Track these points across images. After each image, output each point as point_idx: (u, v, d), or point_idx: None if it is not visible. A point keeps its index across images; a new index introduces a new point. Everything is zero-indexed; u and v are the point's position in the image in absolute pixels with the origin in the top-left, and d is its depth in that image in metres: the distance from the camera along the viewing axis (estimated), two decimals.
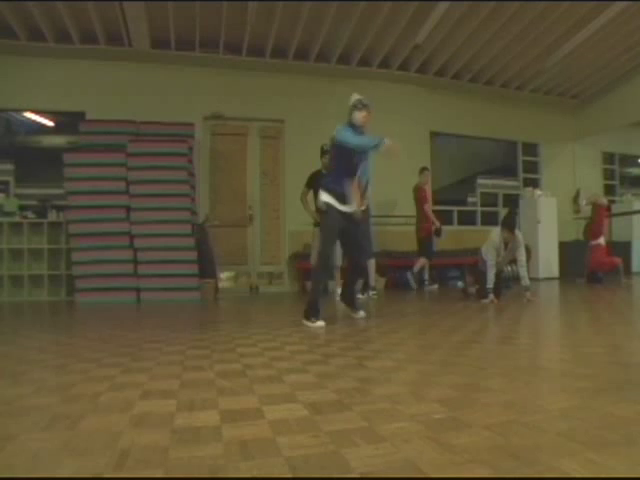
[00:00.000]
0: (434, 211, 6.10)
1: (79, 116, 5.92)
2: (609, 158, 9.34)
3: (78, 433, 1.10)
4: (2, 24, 5.40)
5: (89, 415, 1.23)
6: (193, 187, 5.59)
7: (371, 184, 4.12)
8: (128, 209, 5.33)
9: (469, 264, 7.32)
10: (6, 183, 5.97)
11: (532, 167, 8.53)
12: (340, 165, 3.23)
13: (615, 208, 8.95)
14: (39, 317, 4.10)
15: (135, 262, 5.27)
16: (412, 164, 6.35)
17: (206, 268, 5.37)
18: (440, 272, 7.12)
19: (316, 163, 7.09)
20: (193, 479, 0.86)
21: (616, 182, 9.43)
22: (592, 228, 6.68)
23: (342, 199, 3.16)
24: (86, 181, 5.25)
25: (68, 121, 6.17)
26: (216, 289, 4.71)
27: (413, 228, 6.04)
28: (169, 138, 5.43)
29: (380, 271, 6.68)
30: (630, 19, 5.86)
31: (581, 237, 8.47)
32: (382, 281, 6.70)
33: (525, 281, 4.37)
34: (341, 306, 4.33)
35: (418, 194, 5.84)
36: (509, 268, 7.56)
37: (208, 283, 5.32)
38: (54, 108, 6.17)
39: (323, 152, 4.97)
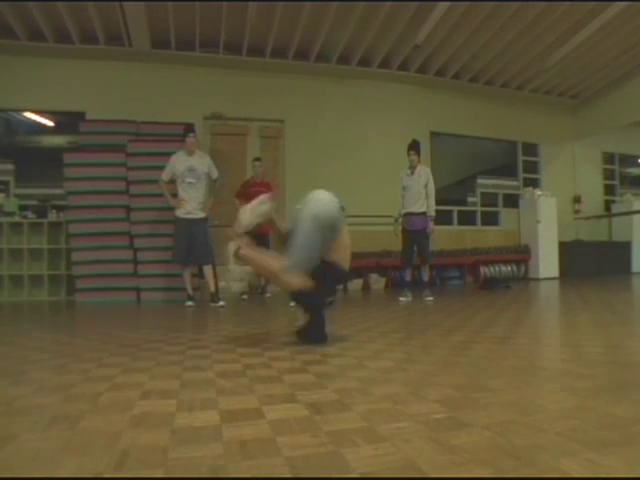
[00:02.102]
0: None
1: (79, 116, 5.92)
2: (609, 158, 9.34)
3: (78, 433, 1.10)
4: (2, 24, 5.41)
5: (89, 415, 1.23)
6: None
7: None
8: (128, 209, 5.33)
9: (468, 264, 7.35)
10: (6, 183, 5.97)
11: (532, 167, 8.53)
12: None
13: (615, 208, 8.97)
14: (39, 317, 4.10)
15: (135, 262, 5.28)
16: None
17: None
18: (440, 272, 7.13)
19: (317, 163, 7.11)
20: (193, 479, 0.86)
21: (616, 182, 9.43)
22: None
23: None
24: (86, 181, 5.26)
25: (68, 121, 6.17)
26: (216, 289, 4.72)
27: None
28: (169, 138, 5.44)
29: (380, 271, 6.71)
30: (630, 19, 5.85)
31: (581, 237, 8.49)
32: (382, 281, 6.71)
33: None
34: (339, 307, 4.33)
35: None
36: (509, 268, 7.58)
37: (208, 283, 5.30)
38: (54, 108, 6.17)
39: None
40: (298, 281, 2.14)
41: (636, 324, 2.86)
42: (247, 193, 5.47)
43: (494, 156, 8.64)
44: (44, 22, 5.38)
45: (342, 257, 2.28)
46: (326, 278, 2.21)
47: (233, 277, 2.30)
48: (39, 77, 5.95)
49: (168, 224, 4.94)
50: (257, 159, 5.68)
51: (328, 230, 2.16)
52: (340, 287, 2.32)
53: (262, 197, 2.40)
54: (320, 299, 2.26)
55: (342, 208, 2.24)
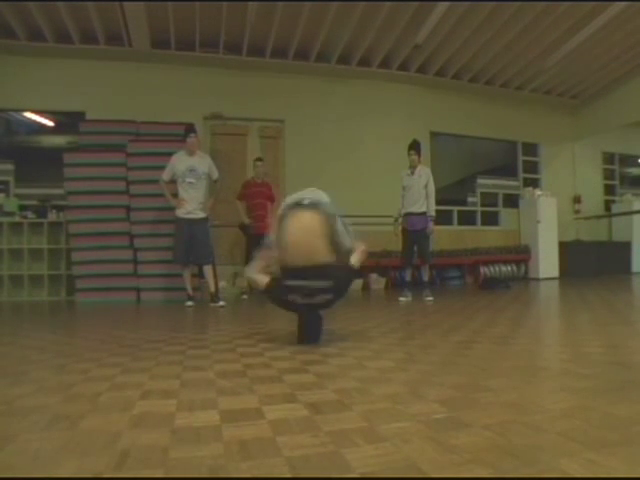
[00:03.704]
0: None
1: (79, 116, 5.92)
2: (609, 158, 9.34)
3: (78, 433, 1.09)
4: (2, 24, 5.41)
5: (89, 415, 1.23)
6: None
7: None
8: (128, 209, 5.33)
9: (468, 264, 7.36)
10: (6, 183, 5.97)
11: (532, 167, 8.53)
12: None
13: (615, 208, 8.97)
14: (39, 317, 4.10)
15: (135, 262, 5.28)
16: None
17: None
18: (440, 272, 7.13)
19: (317, 163, 7.10)
20: (193, 479, 0.86)
21: (616, 182, 9.43)
22: None
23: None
24: (86, 181, 5.26)
25: (68, 121, 6.17)
26: (216, 289, 4.72)
27: None
28: (169, 138, 5.44)
29: (380, 271, 6.70)
30: (630, 19, 5.85)
31: (581, 237, 8.49)
32: (382, 281, 6.71)
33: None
34: (340, 307, 4.32)
35: None
36: (509, 268, 7.58)
37: (208, 283, 5.31)
38: (54, 108, 6.17)
39: None
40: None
41: (636, 324, 2.86)
42: (248, 194, 5.47)
43: (494, 156, 8.64)
44: (44, 22, 5.38)
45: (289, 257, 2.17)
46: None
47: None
48: (39, 77, 5.95)
49: (168, 224, 4.94)
50: (259, 159, 5.66)
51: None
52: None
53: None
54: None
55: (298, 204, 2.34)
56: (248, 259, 5.47)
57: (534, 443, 0.98)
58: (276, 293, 2.26)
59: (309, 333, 2.30)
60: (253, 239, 5.39)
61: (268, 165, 6.76)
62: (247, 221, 5.35)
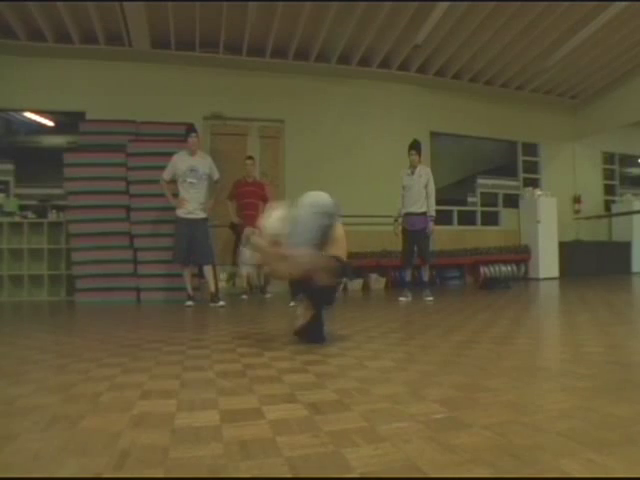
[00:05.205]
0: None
1: (79, 116, 5.92)
2: (609, 158, 9.34)
3: (78, 433, 1.10)
4: (2, 24, 5.41)
5: (89, 415, 1.23)
6: None
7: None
8: (128, 209, 5.33)
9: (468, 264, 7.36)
10: (6, 183, 5.97)
11: (532, 167, 8.53)
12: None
13: (615, 208, 8.96)
14: (39, 317, 4.10)
15: (135, 262, 5.28)
16: None
17: None
18: (440, 272, 7.13)
19: (317, 163, 7.10)
20: (193, 479, 0.86)
21: (616, 182, 9.43)
22: None
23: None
24: (86, 181, 5.25)
25: (68, 121, 6.17)
26: (216, 289, 4.72)
27: None
28: (169, 138, 5.44)
29: (380, 271, 6.71)
30: (630, 19, 5.85)
31: (581, 237, 8.49)
32: (382, 281, 6.71)
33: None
34: (340, 307, 4.33)
35: None
36: (509, 268, 7.58)
37: (208, 283, 5.30)
38: (54, 108, 6.17)
39: None
40: (306, 252, 2.09)
41: (636, 324, 2.86)
42: (239, 193, 5.47)
43: (494, 156, 8.64)
44: (44, 22, 5.38)
45: (341, 252, 2.33)
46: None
47: (243, 260, 2.51)
48: (39, 77, 5.95)
49: (168, 224, 4.94)
50: (249, 157, 5.67)
51: (325, 218, 2.18)
52: (341, 284, 2.36)
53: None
54: (333, 294, 2.33)
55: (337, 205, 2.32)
56: (236, 258, 5.51)
57: (534, 443, 0.98)
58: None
59: (323, 332, 2.35)
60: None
61: (268, 165, 6.78)
62: (237, 220, 5.36)
